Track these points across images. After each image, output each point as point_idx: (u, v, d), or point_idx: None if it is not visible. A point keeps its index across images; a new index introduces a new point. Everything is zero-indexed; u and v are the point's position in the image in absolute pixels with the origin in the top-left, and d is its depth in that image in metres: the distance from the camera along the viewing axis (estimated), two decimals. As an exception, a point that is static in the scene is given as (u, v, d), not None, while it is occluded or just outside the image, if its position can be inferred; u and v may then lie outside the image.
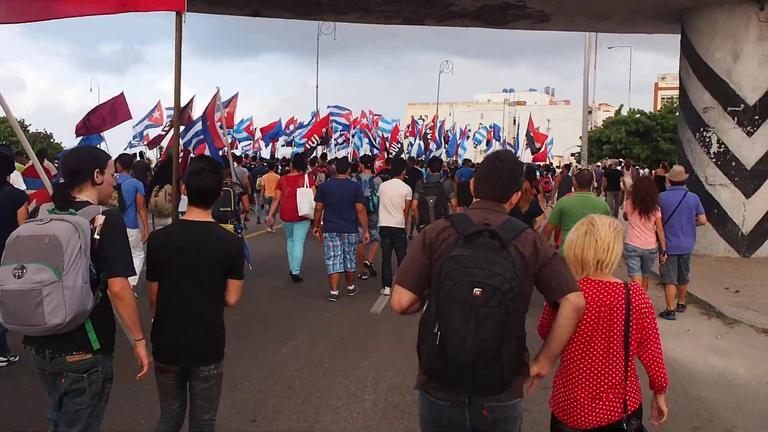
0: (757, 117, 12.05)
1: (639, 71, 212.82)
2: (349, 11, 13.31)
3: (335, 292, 9.16)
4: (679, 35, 13.35)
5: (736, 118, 12.12)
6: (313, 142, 23.27)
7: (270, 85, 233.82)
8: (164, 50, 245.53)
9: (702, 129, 12.49)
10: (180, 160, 8.66)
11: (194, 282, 3.38)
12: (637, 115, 37.73)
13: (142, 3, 5.06)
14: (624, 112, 39.78)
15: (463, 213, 2.84)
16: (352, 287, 9.46)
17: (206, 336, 3.45)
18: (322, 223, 9.34)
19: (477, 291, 2.43)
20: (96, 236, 3.08)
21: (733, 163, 12.21)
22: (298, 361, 6.31)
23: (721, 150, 12.30)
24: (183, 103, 9.34)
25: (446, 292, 2.48)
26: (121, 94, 10.97)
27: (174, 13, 5.60)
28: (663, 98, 73.58)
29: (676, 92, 68.43)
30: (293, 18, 14.35)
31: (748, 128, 12.09)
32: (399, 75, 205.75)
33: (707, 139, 12.44)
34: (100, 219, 3.10)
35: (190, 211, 3.52)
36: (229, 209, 9.30)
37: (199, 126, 10.41)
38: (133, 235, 8.53)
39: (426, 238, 2.77)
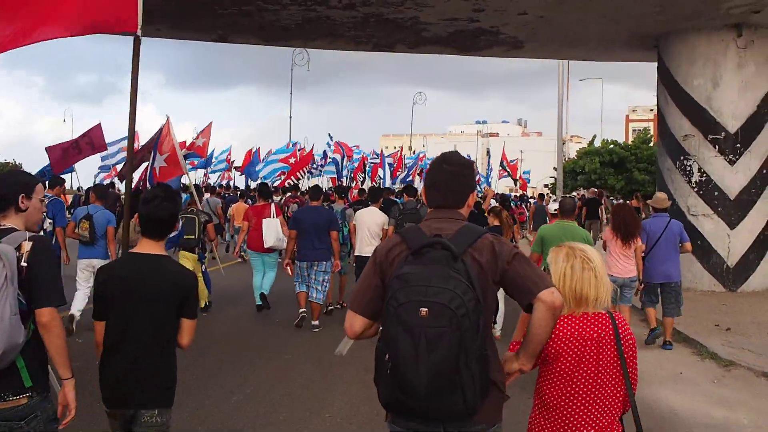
0: (738, 145, 11.68)
1: (609, 103, 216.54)
2: (318, 37, 12.81)
3: (303, 309, 8.99)
4: (656, 63, 13.02)
5: (717, 147, 11.73)
6: (299, 178, 23.43)
7: (245, 116, 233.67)
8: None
9: (682, 157, 12.09)
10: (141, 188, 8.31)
11: (143, 320, 3.13)
12: (611, 146, 37.61)
13: (97, 25, 4.81)
14: (597, 143, 39.71)
15: (414, 226, 2.65)
16: (316, 323, 8.97)
17: (154, 378, 3.18)
18: (295, 252, 9.12)
19: (423, 311, 2.26)
20: (23, 264, 2.82)
21: (716, 193, 11.79)
22: (251, 411, 5.66)
23: (703, 179, 11.88)
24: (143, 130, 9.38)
25: (392, 316, 2.32)
26: (98, 125, 11.09)
27: (132, 38, 5.10)
28: (634, 130, 74.41)
29: (647, 124, 68.92)
30: (261, 44, 13.83)
31: (730, 156, 11.70)
32: (373, 107, 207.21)
33: (688, 168, 12.03)
34: (27, 245, 2.86)
35: (141, 243, 3.27)
36: (193, 237, 9.29)
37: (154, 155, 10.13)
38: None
39: (377, 258, 2.60)
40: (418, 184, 28.76)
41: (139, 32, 4.88)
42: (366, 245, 9.39)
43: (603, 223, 22.56)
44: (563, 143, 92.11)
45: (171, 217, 3.28)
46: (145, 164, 10.40)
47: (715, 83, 11.72)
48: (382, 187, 22.55)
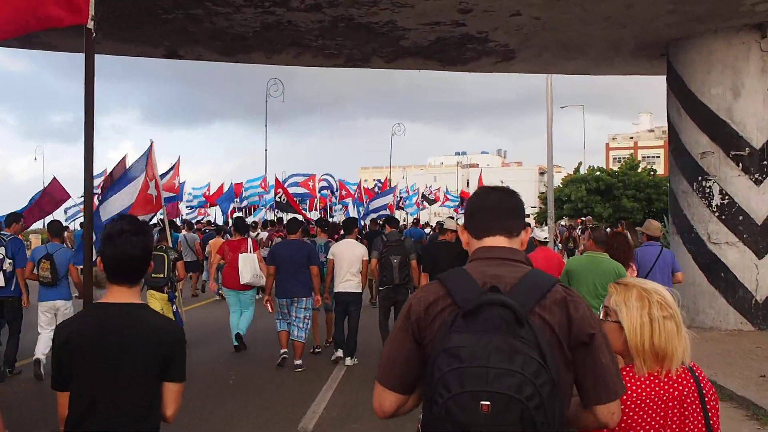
0: (765, 162, 10.19)
1: (589, 133, 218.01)
2: (282, 47, 11.23)
3: (285, 350, 8.83)
4: (663, 75, 11.63)
5: (740, 164, 10.24)
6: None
7: (223, 152, 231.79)
8: (115, 120, 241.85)
9: (700, 178, 10.58)
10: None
11: (115, 389, 2.54)
12: (598, 173, 36.43)
13: (44, 21, 4.43)
14: (583, 170, 38.50)
15: (461, 270, 2.04)
16: (299, 362, 8.73)
17: None
18: (273, 289, 8.90)
19: (484, 405, 1.68)
20: None
21: (741, 217, 10.26)
22: None
23: (725, 202, 10.35)
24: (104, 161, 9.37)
25: (442, 410, 1.72)
26: (53, 179, 11.71)
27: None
28: (615, 158, 73.80)
29: (627, 152, 68.39)
30: (216, 59, 12.21)
31: (756, 175, 10.21)
32: (351, 140, 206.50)
33: (707, 190, 10.50)
34: None
35: (109, 291, 2.68)
36: (162, 275, 8.89)
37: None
38: (67, 307, 8.42)
39: (411, 313, 2.00)
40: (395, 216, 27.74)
41: (90, 24, 4.31)
42: (344, 280, 9.03)
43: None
44: (542, 173, 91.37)
45: (144, 253, 2.71)
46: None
47: (736, 92, 10.27)
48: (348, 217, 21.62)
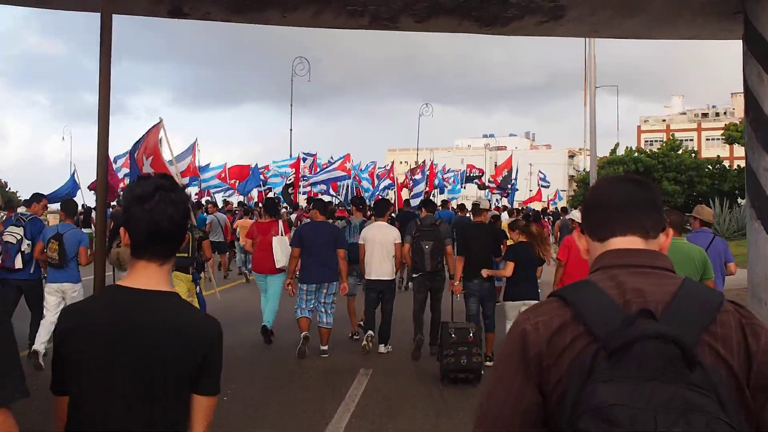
0: None
1: (617, 116, 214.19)
2: (299, 4, 9.85)
3: (306, 333, 8.63)
4: (734, 38, 10.12)
5: (835, 138, 8.69)
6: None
7: (252, 134, 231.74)
8: (145, 100, 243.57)
9: (786, 154, 9.03)
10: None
11: (131, 398, 1.97)
12: (636, 154, 34.68)
13: None
14: (620, 152, 36.74)
15: (587, 282, 1.55)
16: (325, 347, 8.69)
17: None
18: (297, 273, 8.74)
19: None
20: None
21: (834, 201, 8.72)
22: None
23: (818, 182, 8.81)
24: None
25: None
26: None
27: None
28: (646, 141, 71.53)
29: (660, 135, 66.91)
30: (227, 19, 10.88)
31: None
32: (378, 122, 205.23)
33: (794, 168, 8.96)
34: None
35: (133, 271, 2.11)
36: (187, 255, 8.57)
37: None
38: (75, 290, 8.23)
39: (529, 346, 1.48)
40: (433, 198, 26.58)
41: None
42: (378, 266, 8.73)
43: None
44: (572, 156, 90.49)
45: (184, 218, 2.11)
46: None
47: (832, 52, 8.71)
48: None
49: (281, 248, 9.46)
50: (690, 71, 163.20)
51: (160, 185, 2.07)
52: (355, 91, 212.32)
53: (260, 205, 28.66)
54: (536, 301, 8.04)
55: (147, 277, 2.09)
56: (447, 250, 8.83)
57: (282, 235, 9.71)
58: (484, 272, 8.26)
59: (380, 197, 17.79)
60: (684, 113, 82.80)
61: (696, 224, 7.74)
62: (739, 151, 50.56)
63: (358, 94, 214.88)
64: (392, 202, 18.30)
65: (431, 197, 18.59)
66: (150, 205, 2.04)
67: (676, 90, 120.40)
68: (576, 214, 9.93)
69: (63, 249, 8.05)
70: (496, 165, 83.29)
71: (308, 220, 14.68)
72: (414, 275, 9.15)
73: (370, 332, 8.92)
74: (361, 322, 9.68)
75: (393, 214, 17.62)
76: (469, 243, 8.24)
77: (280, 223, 10.03)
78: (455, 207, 22.58)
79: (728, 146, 66.20)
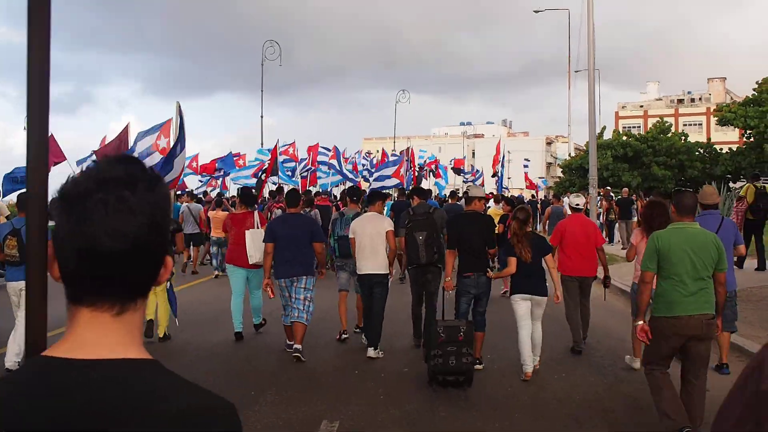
0: None
1: (598, 102, 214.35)
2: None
3: (298, 345, 7.89)
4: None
5: None
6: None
7: (225, 124, 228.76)
8: (115, 91, 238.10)
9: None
10: None
11: None
12: (624, 138, 33.93)
13: None
14: (607, 136, 36.00)
15: None
16: (298, 346, 7.91)
17: None
18: (272, 269, 8.13)
19: None
20: None
21: None
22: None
23: None
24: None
25: None
26: (51, 136, 10.46)
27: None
28: (624, 127, 71.20)
29: (638, 121, 66.30)
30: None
31: None
32: (353, 111, 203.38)
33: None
34: None
35: (73, 325, 1.16)
36: None
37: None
38: None
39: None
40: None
41: None
42: (369, 260, 8.09)
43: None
44: (549, 143, 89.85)
45: (144, 235, 1.14)
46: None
47: None
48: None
49: (255, 242, 8.83)
50: (665, 58, 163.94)
51: (106, 178, 1.15)
52: (329, 80, 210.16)
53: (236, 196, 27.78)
54: (545, 298, 7.38)
55: (96, 337, 1.15)
56: (445, 239, 8.24)
57: (257, 227, 9.09)
58: (490, 274, 7.67)
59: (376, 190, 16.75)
60: (660, 99, 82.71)
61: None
62: (732, 135, 50.52)
63: (332, 84, 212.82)
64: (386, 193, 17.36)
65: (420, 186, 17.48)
66: (81, 210, 1.12)
67: (652, 77, 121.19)
68: (573, 199, 9.41)
69: (22, 245, 7.37)
70: (473, 153, 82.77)
71: (279, 211, 14.04)
72: (409, 268, 8.56)
73: (370, 350, 8.21)
74: (358, 329, 9.12)
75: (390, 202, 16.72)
76: (461, 235, 7.58)
77: (256, 214, 9.43)
78: (446, 194, 21.57)
79: (705, 132, 66.18)
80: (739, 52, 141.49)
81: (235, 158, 27.11)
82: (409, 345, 8.77)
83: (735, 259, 8.37)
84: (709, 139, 36.46)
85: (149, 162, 11.80)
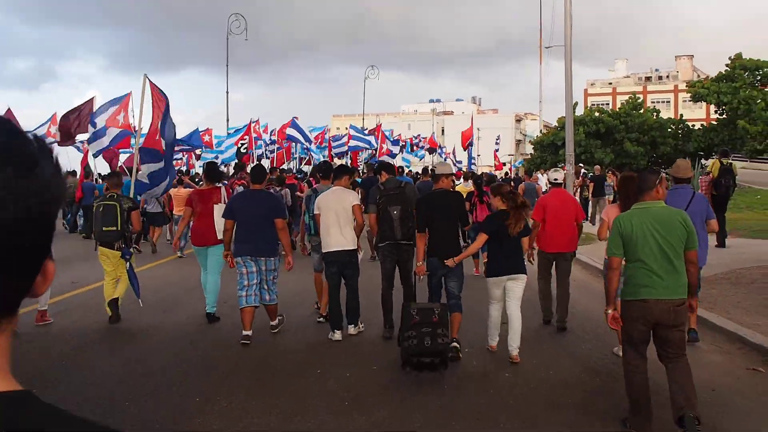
0: None
1: (558, 79, 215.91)
2: None
3: (248, 333, 7.65)
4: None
5: None
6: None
7: (194, 101, 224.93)
8: (79, 66, 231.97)
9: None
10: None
11: None
12: (597, 114, 33.41)
13: None
14: (579, 112, 35.50)
15: None
16: (274, 323, 8.06)
17: None
18: (232, 245, 7.91)
19: None
20: None
21: None
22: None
23: None
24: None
25: None
26: (8, 110, 11.96)
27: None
28: (593, 104, 71.10)
29: (607, 98, 66.26)
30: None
31: None
32: (322, 88, 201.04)
33: None
34: None
35: None
36: (115, 228, 8.32)
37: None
38: None
39: None
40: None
41: None
42: (336, 236, 7.75)
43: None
44: (519, 120, 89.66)
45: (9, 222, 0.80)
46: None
47: None
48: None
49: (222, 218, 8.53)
50: (632, 37, 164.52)
51: None
52: (298, 56, 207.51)
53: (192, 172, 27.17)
54: (524, 276, 7.08)
55: None
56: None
57: (224, 202, 8.77)
58: (449, 262, 7.15)
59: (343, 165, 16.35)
60: (628, 77, 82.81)
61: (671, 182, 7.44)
62: (700, 112, 50.40)
63: (301, 60, 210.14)
64: (353, 168, 16.77)
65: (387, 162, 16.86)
66: None
67: (620, 55, 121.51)
68: (552, 174, 9.38)
69: None
70: (443, 130, 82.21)
71: (241, 188, 13.82)
72: (380, 245, 8.12)
73: (336, 335, 7.84)
74: (322, 318, 8.54)
75: (358, 180, 16.07)
76: (432, 215, 7.25)
77: (223, 189, 9.20)
78: (419, 172, 21.02)
79: (673, 109, 66.34)
80: (704, 32, 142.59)
81: (201, 131, 26.44)
82: (377, 337, 8.02)
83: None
84: (681, 115, 36.05)
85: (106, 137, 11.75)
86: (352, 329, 7.91)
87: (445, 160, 32.15)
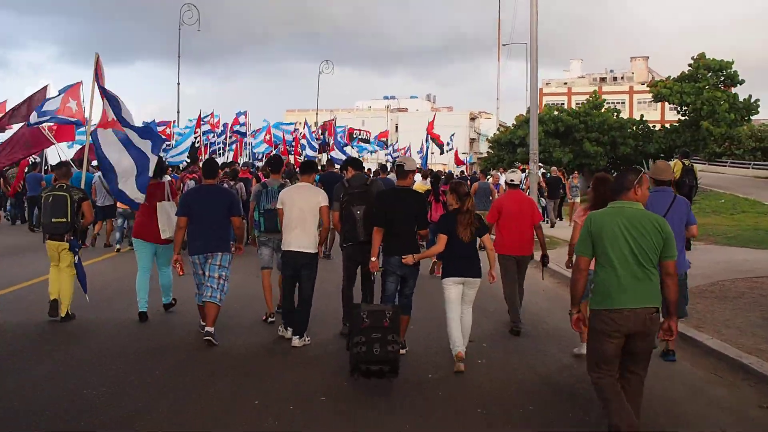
0: None
1: (514, 79, 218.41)
2: None
3: (210, 328, 7.40)
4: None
5: None
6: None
7: (147, 93, 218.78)
8: (29, 55, 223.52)
9: None
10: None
11: None
12: (556, 112, 32.32)
13: None
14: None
15: None
16: (210, 329, 7.41)
17: None
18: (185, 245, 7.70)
19: None
20: None
21: None
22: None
23: None
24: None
25: None
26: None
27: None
28: (547, 104, 70.87)
29: (562, 98, 66.23)
30: None
31: None
32: (276, 82, 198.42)
33: None
34: None
35: None
36: (64, 220, 8.22)
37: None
38: None
39: None
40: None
41: None
42: (298, 236, 7.47)
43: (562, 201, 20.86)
44: (473, 119, 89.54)
45: None
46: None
47: None
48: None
49: (167, 216, 8.42)
50: (587, 38, 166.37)
51: None
52: (252, 50, 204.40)
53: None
54: (479, 280, 6.90)
55: None
56: None
57: (168, 199, 8.69)
58: (408, 259, 7.03)
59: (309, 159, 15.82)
60: (583, 77, 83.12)
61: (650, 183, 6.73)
62: (655, 114, 50.02)
63: (255, 54, 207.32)
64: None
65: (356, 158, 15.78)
66: None
67: (575, 55, 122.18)
68: (509, 175, 9.26)
69: None
70: (396, 127, 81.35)
71: (192, 182, 13.91)
72: (343, 245, 7.93)
73: (288, 332, 7.67)
74: (279, 309, 8.38)
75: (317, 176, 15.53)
76: (390, 211, 7.09)
77: (167, 185, 8.96)
78: (377, 168, 20.07)
79: (628, 109, 66.31)
80: (658, 36, 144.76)
81: (160, 128, 25.97)
82: (334, 345, 7.59)
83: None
84: (641, 116, 35.22)
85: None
86: (296, 341, 7.51)
87: (396, 158, 30.95)
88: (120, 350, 7.22)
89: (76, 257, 8.40)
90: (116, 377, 6.33)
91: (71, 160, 15.55)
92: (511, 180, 8.87)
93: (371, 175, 19.39)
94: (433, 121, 30.50)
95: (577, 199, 19.87)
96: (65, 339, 7.68)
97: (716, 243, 15.49)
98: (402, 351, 6.88)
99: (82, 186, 9.75)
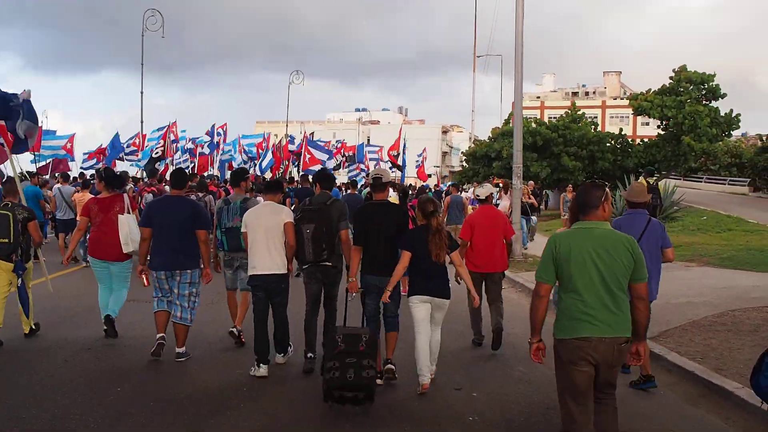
0: None
1: (486, 94, 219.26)
2: None
3: (163, 335, 7.40)
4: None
5: None
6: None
7: (114, 104, 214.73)
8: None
9: None
10: None
11: None
12: (534, 125, 31.49)
13: None
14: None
15: None
16: (181, 350, 7.38)
17: None
18: (149, 258, 7.53)
19: None
20: None
21: None
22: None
23: None
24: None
25: None
26: None
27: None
28: (523, 117, 70.71)
29: (535, 112, 65.65)
30: None
31: None
32: (247, 94, 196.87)
33: None
34: None
35: None
36: (7, 241, 7.77)
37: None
38: None
39: None
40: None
41: None
42: (264, 258, 7.03)
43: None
44: (445, 132, 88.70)
45: None
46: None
47: None
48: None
49: (124, 229, 8.14)
50: (560, 50, 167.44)
51: None
52: (222, 61, 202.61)
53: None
54: (447, 301, 6.71)
55: None
56: (342, 236, 7.26)
57: (129, 212, 8.41)
58: (384, 298, 6.70)
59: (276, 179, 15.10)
60: (556, 91, 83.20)
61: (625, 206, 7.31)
62: (627, 129, 49.51)
63: (225, 65, 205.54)
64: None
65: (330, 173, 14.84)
66: None
67: (547, 69, 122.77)
68: (478, 190, 9.04)
69: None
70: (368, 140, 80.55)
71: (151, 196, 13.38)
72: (303, 267, 7.45)
73: (261, 370, 7.01)
74: (234, 329, 8.15)
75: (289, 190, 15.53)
76: (368, 228, 6.98)
77: (126, 197, 8.68)
78: (345, 183, 19.05)
79: (600, 124, 66.08)
80: (630, 53, 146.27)
81: (130, 140, 25.99)
82: (298, 372, 7.26)
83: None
84: (621, 130, 34.55)
85: None
86: (280, 358, 7.42)
87: (368, 170, 29.91)
88: (72, 374, 6.93)
89: (20, 280, 8.05)
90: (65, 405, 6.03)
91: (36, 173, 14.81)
92: (477, 195, 8.82)
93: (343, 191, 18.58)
94: (394, 145, 29.67)
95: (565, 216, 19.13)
96: (31, 357, 7.50)
97: (710, 264, 14.59)
98: (390, 366, 6.88)
99: (24, 202, 9.15)
